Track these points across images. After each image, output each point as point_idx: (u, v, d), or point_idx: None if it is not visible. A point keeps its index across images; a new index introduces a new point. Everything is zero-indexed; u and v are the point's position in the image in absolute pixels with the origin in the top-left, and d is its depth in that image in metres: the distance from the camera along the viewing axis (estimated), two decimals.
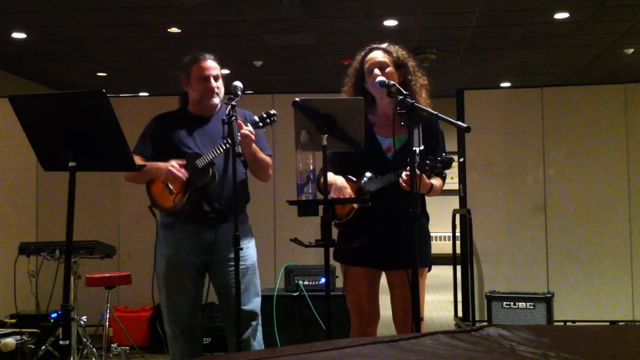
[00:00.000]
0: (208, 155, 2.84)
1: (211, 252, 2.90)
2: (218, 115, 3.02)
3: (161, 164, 2.88)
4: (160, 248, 3.00)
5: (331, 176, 2.66)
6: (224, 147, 2.82)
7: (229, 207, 2.88)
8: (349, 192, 2.66)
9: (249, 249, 3.02)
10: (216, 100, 2.98)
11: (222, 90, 3.02)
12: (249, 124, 2.85)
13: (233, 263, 2.84)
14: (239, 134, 2.76)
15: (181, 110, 3.10)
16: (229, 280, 2.86)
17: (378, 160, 2.71)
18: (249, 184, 3.12)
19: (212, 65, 2.98)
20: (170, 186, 2.91)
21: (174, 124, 3.03)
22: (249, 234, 3.06)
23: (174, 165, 2.83)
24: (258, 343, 2.99)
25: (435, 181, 2.67)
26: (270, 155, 3.06)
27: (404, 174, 2.50)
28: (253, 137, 2.83)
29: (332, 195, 2.63)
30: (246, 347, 2.88)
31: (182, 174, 2.83)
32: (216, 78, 2.99)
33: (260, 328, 3.03)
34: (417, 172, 2.42)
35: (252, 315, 2.96)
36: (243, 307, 2.89)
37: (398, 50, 2.78)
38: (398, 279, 2.65)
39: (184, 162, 2.87)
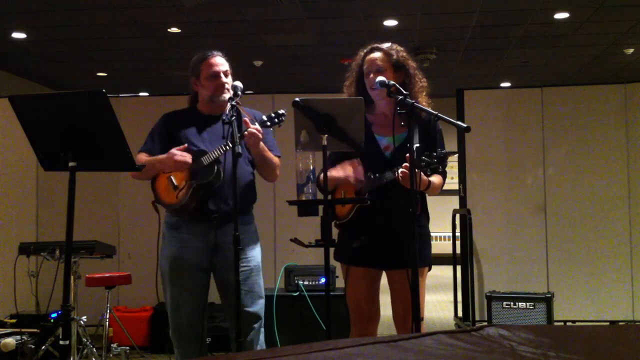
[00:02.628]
0: (214, 153, 2.84)
1: (216, 252, 2.89)
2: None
3: (162, 156, 2.88)
4: (165, 248, 2.99)
5: (335, 173, 2.66)
6: (230, 145, 2.79)
7: (234, 207, 2.88)
8: (352, 175, 2.65)
9: (254, 250, 3.00)
10: (227, 95, 2.94)
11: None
12: (256, 123, 2.83)
13: (238, 264, 2.85)
14: (245, 132, 2.76)
15: (191, 109, 3.09)
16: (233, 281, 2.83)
17: (376, 160, 2.71)
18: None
19: (220, 62, 2.98)
20: (175, 181, 2.89)
21: (183, 122, 3.02)
22: (255, 235, 3.05)
23: (175, 153, 2.83)
24: (260, 346, 2.98)
25: (435, 178, 2.67)
26: (279, 156, 3.03)
27: (400, 170, 2.50)
28: (260, 135, 2.81)
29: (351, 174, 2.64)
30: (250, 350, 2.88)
31: (185, 156, 2.82)
32: (226, 74, 2.98)
33: (262, 330, 3.02)
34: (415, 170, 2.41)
35: (255, 317, 2.94)
36: (246, 309, 2.89)
37: (399, 52, 2.77)
38: (398, 278, 2.65)
39: (185, 146, 2.87)
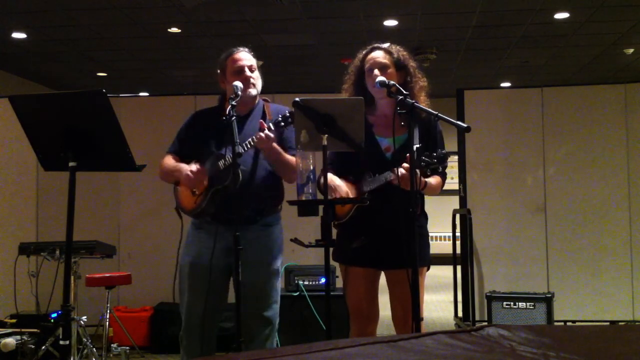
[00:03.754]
0: (230, 157, 2.76)
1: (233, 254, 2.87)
2: (254, 114, 2.96)
3: (183, 167, 2.86)
4: (186, 247, 2.97)
5: (328, 177, 2.66)
6: (246, 149, 2.75)
7: (254, 209, 2.85)
8: (344, 190, 2.65)
9: (274, 254, 2.95)
10: (253, 91, 2.90)
11: (258, 82, 2.95)
12: (271, 124, 2.76)
13: (257, 266, 2.83)
14: (255, 137, 2.72)
15: (218, 108, 3.02)
16: (251, 284, 2.76)
17: (377, 160, 2.71)
18: None
19: (245, 57, 2.94)
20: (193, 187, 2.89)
21: (208, 122, 2.97)
22: (278, 238, 2.99)
23: (191, 171, 2.80)
24: None
25: (433, 179, 2.66)
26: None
27: (400, 172, 2.50)
28: (269, 140, 2.73)
29: (329, 195, 2.63)
30: None
31: (197, 180, 2.80)
32: (251, 69, 2.93)
33: (276, 335, 2.98)
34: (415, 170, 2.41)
35: (267, 321, 2.91)
36: (260, 312, 2.87)
37: (399, 51, 2.77)
38: (398, 278, 2.65)
39: (200, 167, 2.82)
